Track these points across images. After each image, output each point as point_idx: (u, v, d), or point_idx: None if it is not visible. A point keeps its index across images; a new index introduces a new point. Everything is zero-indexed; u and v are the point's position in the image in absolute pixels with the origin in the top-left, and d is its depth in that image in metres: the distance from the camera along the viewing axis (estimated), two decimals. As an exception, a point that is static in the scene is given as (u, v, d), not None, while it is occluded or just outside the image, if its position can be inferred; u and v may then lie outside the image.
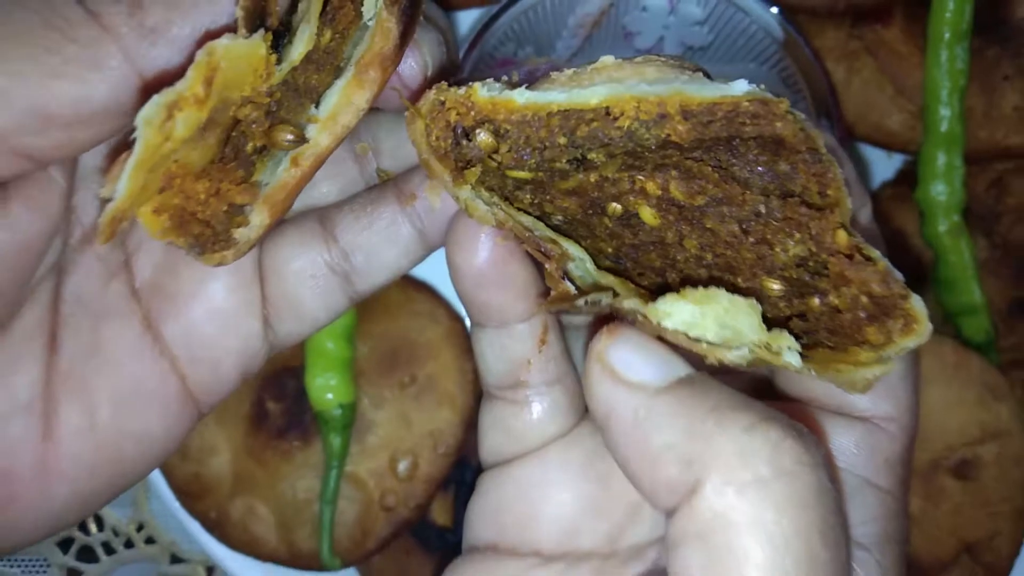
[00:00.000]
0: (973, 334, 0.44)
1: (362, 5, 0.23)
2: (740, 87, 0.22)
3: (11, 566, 0.52)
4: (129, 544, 0.52)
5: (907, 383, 0.25)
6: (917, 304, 0.21)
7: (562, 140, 0.22)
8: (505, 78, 0.23)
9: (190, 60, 0.20)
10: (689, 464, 0.19)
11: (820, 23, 0.45)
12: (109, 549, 0.52)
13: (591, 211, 0.23)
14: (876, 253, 0.21)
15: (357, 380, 0.43)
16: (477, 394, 0.45)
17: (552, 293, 0.23)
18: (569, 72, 0.23)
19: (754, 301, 0.21)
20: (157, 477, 0.47)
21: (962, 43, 0.42)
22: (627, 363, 0.21)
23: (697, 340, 0.21)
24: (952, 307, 0.44)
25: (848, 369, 0.21)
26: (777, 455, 0.19)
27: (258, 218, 0.23)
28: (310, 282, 0.27)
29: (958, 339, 0.44)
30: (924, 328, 0.21)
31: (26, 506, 0.24)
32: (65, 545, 0.52)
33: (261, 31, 0.21)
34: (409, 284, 0.47)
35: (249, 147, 0.23)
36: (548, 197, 0.23)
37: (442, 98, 0.22)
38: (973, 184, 0.45)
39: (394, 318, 0.45)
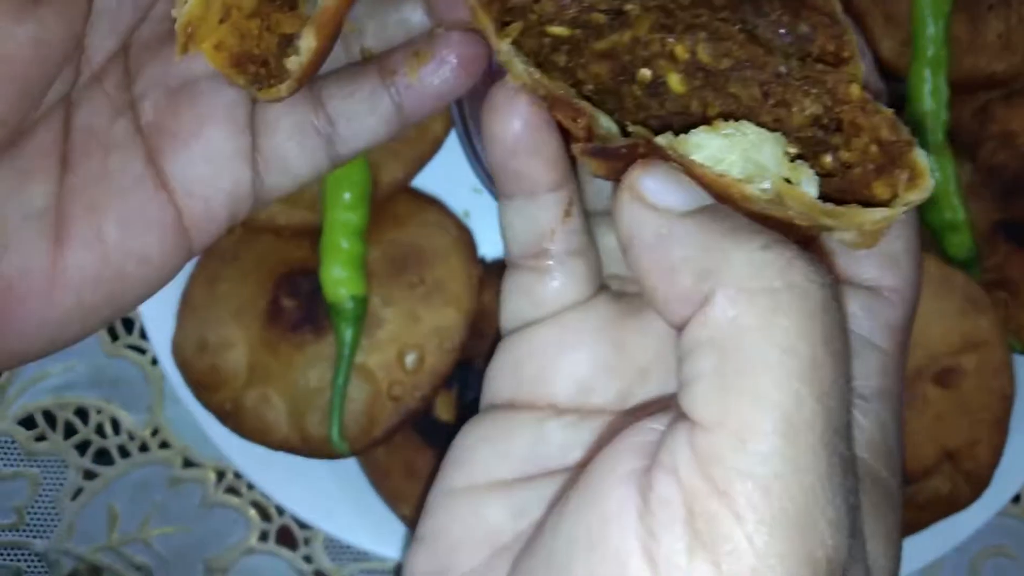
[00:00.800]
0: (956, 251, 0.47)
1: None
2: None
3: (30, 466, 0.54)
4: (144, 448, 0.54)
5: (909, 257, 0.26)
6: (921, 156, 0.22)
7: None
8: None
9: None
10: (705, 275, 0.21)
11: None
12: (124, 452, 0.54)
13: (621, 78, 0.25)
14: (884, 107, 0.23)
15: (368, 281, 0.46)
16: (480, 299, 0.48)
17: (585, 139, 0.25)
18: None
19: (779, 134, 0.23)
20: (173, 384, 0.49)
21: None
22: (655, 190, 0.22)
23: (722, 175, 0.22)
24: (936, 224, 0.46)
25: (858, 213, 0.22)
26: (789, 270, 0.20)
27: (306, 42, 0.25)
28: (298, 139, 0.29)
29: (942, 255, 0.47)
30: (927, 181, 0.22)
31: (34, 308, 0.26)
32: (82, 448, 0.54)
33: None
34: (419, 197, 0.49)
35: None
36: (582, 61, 0.25)
37: None
38: (959, 111, 0.48)
39: (405, 227, 0.48)
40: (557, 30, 0.24)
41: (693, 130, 0.22)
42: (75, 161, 0.27)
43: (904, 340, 0.26)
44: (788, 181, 0.22)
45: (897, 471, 0.26)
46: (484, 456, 0.26)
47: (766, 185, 0.22)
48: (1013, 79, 0.48)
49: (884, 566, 0.23)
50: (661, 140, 0.23)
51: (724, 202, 0.23)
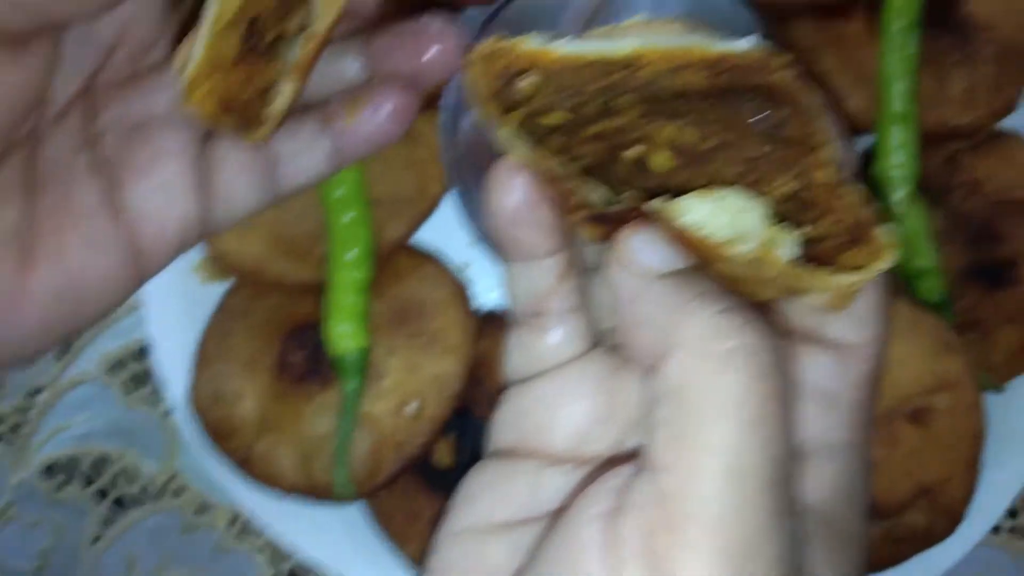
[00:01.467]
0: (928, 295, 0.49)
1: None
2: (747, 43, 0.25)
3: (53, 513, 0.57)
4: (160, 495, 0.57)
5: (875, 315, 0.27)
6: (883, 233, 0.24)
7: (596, 86, 0.26)
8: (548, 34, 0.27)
9: None
10: (666, 332, 0.23)
11: (786, 20, 0.51)
12: (141, 499, 0.57)
13: (611, 155, 0.27)
14: (855, 187, 0.25)
15: (371, 333, 0.49)
16: (477, 347, 0.50)
17: (579, 210, 0.27)
18: (604, 28, 0.26)
19: (761, 201, 0.25)
20: (187, 433, 0.52)
21: (913, 31, 0.47)
22: (638, 250, 0.25)
23: (707, 238, 0.24)
24: (908, 270, 0.49)
25: (827, 279, 0.24)
26: (743, 333, 0.23)
27: (287, 88, 0.29)
28: (244, 175, 0.32)
29: (914, 300, 0.50)
30: (890, 255, 0.24)
31: (5, 321, 0.28)
32: (101, 495, 0.57)
33: None
34: (418, 253, 0.53)
35: (266, 39, 0.28)
36: (574, 142, 0.27)
37: (496, 47, 0.26)
38: (929, 161, 0.51)
39: (405, 281, 0.51)
40: (552, 119, 0.26)
41: (683, 196, 0.25)
42: (40, 190, 0.30)
43: (871, 393, 0.28)
44: (768, 246, 0.24)
45: (862, 516, 0.28)
46: (486, 500, 0.28)
47: (748, 247, 0.24)
48: (978, 131, 0.51)
49: None
50: (653, 204, 0.25)
51: (706, 263, 0.25)
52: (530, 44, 0.26)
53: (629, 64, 0.25)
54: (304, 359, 0.49)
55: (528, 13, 0.50)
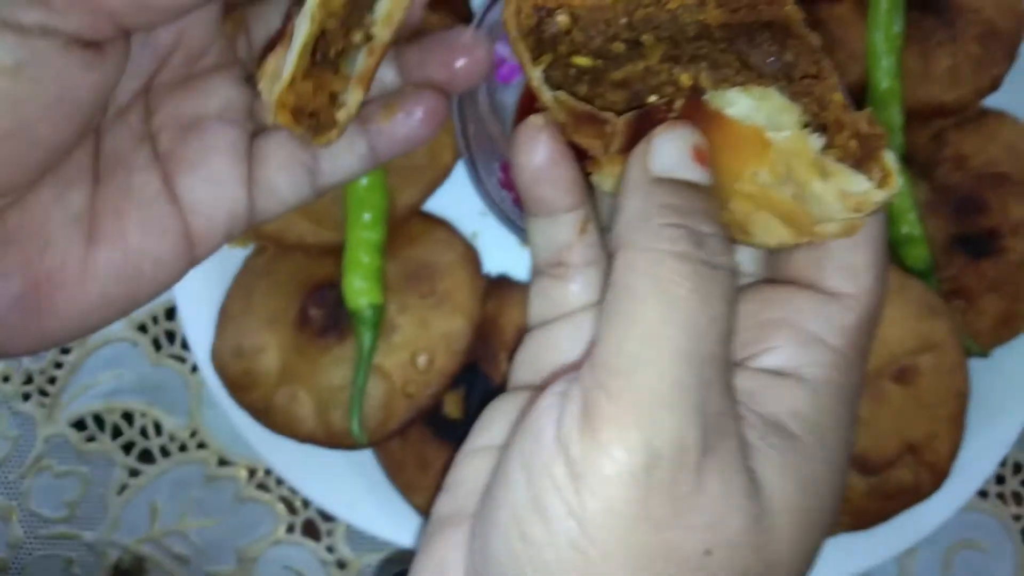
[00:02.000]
0: (914, 262, 0.52)
1: None
2: None
3: (81, 464, 0.61)
4: (183, 448, 0.60)
5: (869, 269, 0.30)
6: (889, 157, 0.26)
7: (623, 22, 0.28)
8: None
9: None
10: (628, 229, 0.27)
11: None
12: (165, 452, 0.60)
13: (635, 101, 0.29)
14: (865, 111, 0.27)
15: (385, 292, 0.52)
16: (484, 308, 0.54)
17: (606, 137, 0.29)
18: None
19: (796, 105, 0.27)
20: (211, 389, 0.55)
21: (898, 11, 0.50)
22: (659, 146, 0.28)
23: (751, 125, 0.27)
24: (895, 238, 0.52)
25: (847, 176, 0.26)
26: (685, 243, 0.26)
27: (354, 97, 0.32)
28: (286, 171, 0.35)
29: (901, 266, 0.52)
30: (896, 179, 0.26)
31: (68, 296, 0.32)
32: (127, 448, 0.61)
33: None
34: (431, 219, 0.56)
35: (332, 51, 0.31)
36: (600, 90, 0.29)
37: None
38: (916, 137, 0.54)
39: (417, 245, 0.54)
40: (581, 60, 0.29)
41: (728, 89, 0.27)
42: (104, 177, 0.33)
43: (859, 341, 0.30)
44: (802, 136, 0.26)
45: (832, 448, 0.29)
46: (501, 425, 0.31)
47: (787, 134, 0.26)
48: (963, 108, 0.53)
49: (787, 507, 0.27)
50: (706, 95, 0.27)
51: (728, 182, 0.28)
52: None
53: (655, 1, 0.28)
54: (323, 315, 0.52)
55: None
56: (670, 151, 0.28)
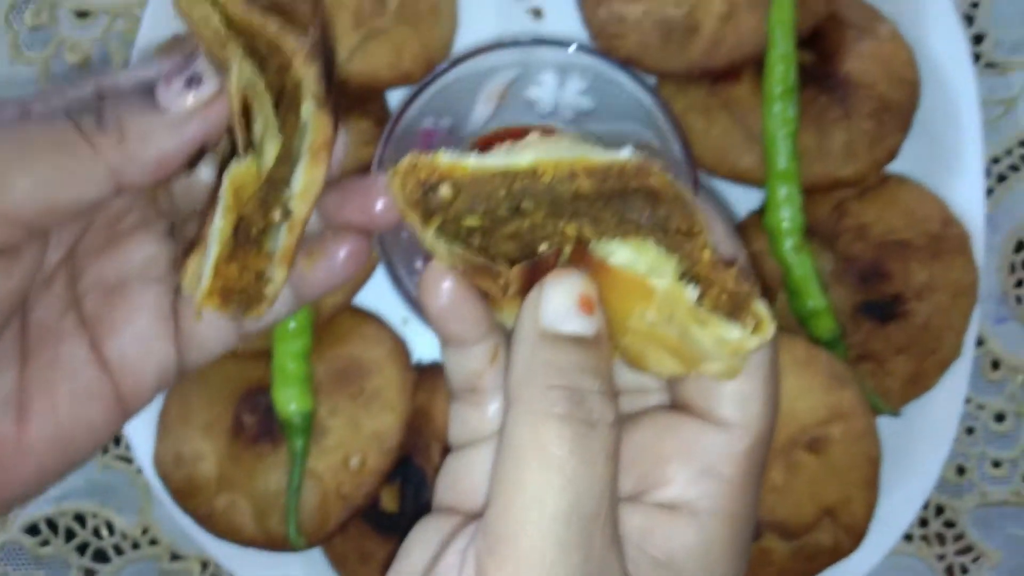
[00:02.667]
0: (821, 333, 0.54)
1: (300, 113, 0.33)
2: (626, 153, 0.30)
3: (37, 569, 0.62)
4: (136, 546, 0.62)
5: (757, 397, 0.31)
6: (760, 306, 0.29)
7: (502, 193, 0.30)
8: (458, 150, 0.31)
9: (152, 172, 0.31)
10: (517, 387, 0.29)
11: (683, 85, 0.56)
12: (119, 551, 0.62)
13: (526, 251, 0.31)
14: (735, 266, 0.29)
15: (315, 394, 0.54)
16: (416, 399, 0.56)
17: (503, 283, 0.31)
18: (507, 145, 0.31)
19: (672, 257, 0.29)
20: (158, 488, 0.57)
21: (790, 96, 0.52)
22: (549, 296, 0.30)
23: (633, 272, 0.29)
24: (801, 312, 0.54)
25: (721, 325, 0.28)
26: (567, 403, 0.28)
27: (278, 274, 0.34)
28: (211, 324, 0.37)
29: (809, 338, 0.55)
30: (768, 325, 0.28)
31: (4, 474, 0.33)
32: (82, 549, 0.62)
33: (251, 154, 0.32)
34: (359, 314, 0.58)
35: (254, 231, 0.33)
36: (493, 241, 0.31)
37: (414, 162, 0.30)
38: (818, 209, 0.56)
39: (346, 342, 0.56)
40: (470, 221, 0.31)
41: (609, 240, 0.29)
42: (32, 351, 0.34)
43: (749, 468, 0.31)
44: (679, 286, 0.29)
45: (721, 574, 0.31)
46: (421, 553, 0.33)
47: (664, 281, 0.29)
48: (861, 180, 0.56)
49: None
50: (592, 245, 0.29)
51: (616, 324, 0.30)
52: (444, 159, 0.30)
53: (530, 174, 0.30)
54: (256, 422, 0.54)
55: (450, 91, 0.55)
56: (558, 301, 0.30)
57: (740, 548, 0.32)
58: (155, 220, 0.37)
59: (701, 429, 0.32)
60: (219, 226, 0.32)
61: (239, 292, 0.33)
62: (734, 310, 0.29)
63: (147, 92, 0.33)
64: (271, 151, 0.33)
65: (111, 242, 0.36)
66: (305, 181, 0.33)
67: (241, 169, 0.32)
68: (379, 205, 0.37)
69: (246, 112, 0.33)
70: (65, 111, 0.32)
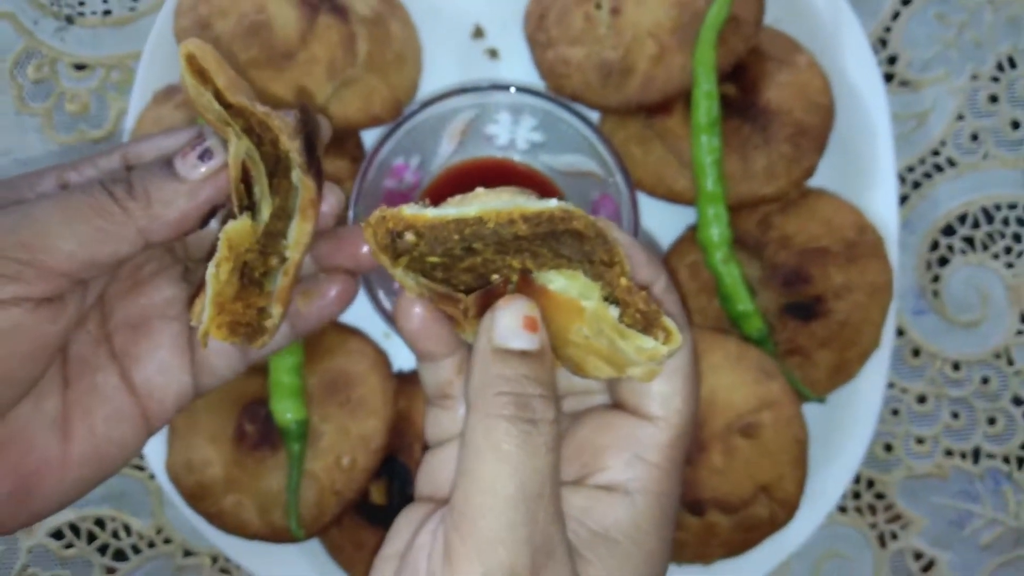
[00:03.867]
0: (751, 332, 0.62)
1: (291, 178, 0.40)
2: (554, 203, 0.36)
3: (62, 569, 0.70)
4: (151, 545, 0.70)
5: (676, 396, 0.38)
6: (668, 322, 0.36)
7: (455, 237, 0.36)
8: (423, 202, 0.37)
9: (173, 231, 0.39)
10: (473, 395, 0.35)
11: (623, 119, 0.64)
12: (136, 550, 0.70)
13: (481, 280, 0.38)
14: (644, 290, 0.36)
15: (308, 404, 0.61)
16: (397, 406, 0.63)
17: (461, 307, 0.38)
18: (458, 198, 0.37)
19: (597, 283, 0.36)
20: (170, 492, 0.65)
21: (714, 128, 0.60)
22: (500, 318, 0.36)
23: (566, 296, 0.36)
24: (732, 314, 0.62)
25: (638, 338, 0.35)
26: (513, 407, 0.34)
27: (276, 310, 0.41)
28: (223, 355, 0.44)
29: (740, 337, 0.63)
30: (676, 337, 0.35)
31: (51, 485, 0.40)
32: (102, 550, 0.70)
33: (247, 213, 0.39)
34: (344, 329, 0.65)
35: (256, 275, 0.40)
36: (453, 274, 0.38)
37: (383, 215, 0.37)
38: (745, 223, 0.64)
39: (334, 356, 0.64)
40: (433, 259, 0.37)
41: (547, 271, 0.36)
42: (72, 381, 0.41)
43: (673, 455, 0.38)
44: (603, 306, 0.36)
45: (649, 545, 0.38)
46: (404, 535, 0.39)
47: (591, 303, 0.36)
48: (783, 196, 0.64)
49: None
50: (534, 275, 0.36)
51: (556, 337, 0.37)
52: (407, 212, 0.37)
53: (477, 221, 0.36)
54: (257, 430, 0.62)
55: (418, 132, 0.62)
56: (507, 322, 0.36)
57: (666, 521, 0.39)
58: (171, 266, 0.44)
59: (633, 423, 0.39)
60: (212, 272, 0.39)
61: (244, 325, 0.41)
62: (647, 325, 0.36)
63: (166, 163, 0.40)
64: (267, 209, 0.40)
65: (135, 287, 0.43)
66: (297, 233, 0.41)
67: (236, 226, 0.39)
68: (364, 249, 0.45)
69: (247, 179, 0.40)
70: (99, 181, 0.39)
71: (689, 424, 0.39)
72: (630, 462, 0.38)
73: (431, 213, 0.37)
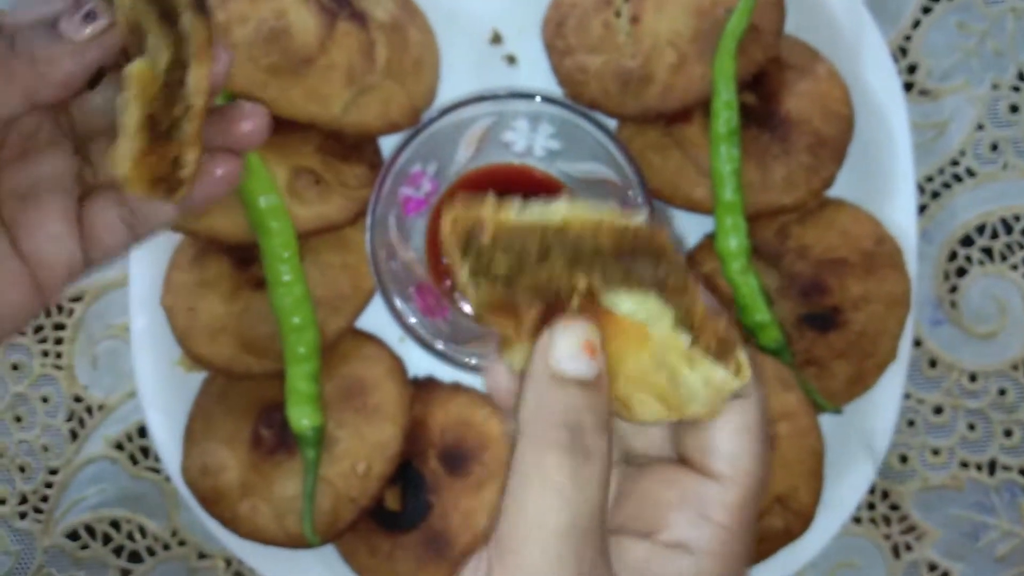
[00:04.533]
0: (768, 343, 0.62)
1: (180, 27, 0.40)
2: (640, 218, 0.35)
3: (78, 571, 0.71)
4: (166, 547, 0.71)
5: (744, 454, 0.36)
6: (742, 355, 0.34)
7: (534, 244, 0.35)
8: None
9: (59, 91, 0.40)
10: (523, 420, 0.34)
11: (641, 127, 0.64)
12: (151, 552, 0.71)
13: (540, 298, 0.35)
14: (724, 318, 0.34)
15: (325, 409, 0.62)
16: (413, 412, 0.64)
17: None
18: (540, 204, 0.35)
19: (669, 308, 0.34)
20: (185, 495, 0.65)
21: (733, 137, 0.60)
22: (558, 342, 0.34)
23: (633, 320, 0.34)
24: (750, 324, 0.62)
25: (710, 367, 0.33)
26: (566, 436, 0.33)
27: (190, 157, 0.40)
28: (110, 228, 0.44)
29: (757, 347, 0.63)
30: (747, 372, 0.34)
31: None
32: (118, 551, 0.71)
33: (145, 59, 0.39)
34: (360, 335, 0.66)
35: (163, 127, 0.40)
36: (512, 289, 0.36)
37: (464, 211, 0.35)
38: (764, 232, 0.64)
39: (350, 361, 0.64)
40: (499, 267, 0.35)
41: (616, 291, 0.34)
42: None
43: (742, 516, 0.36)
44: (674, 333, 0.34)
45: None
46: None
47: (662, 330, 0.34)
48: (801, 206, 0.64)
49: None
50: (603, 295, 0.34)
51: (614, 367, 0.35)
52: (490, 211, 0.35)
53: (560, 228, 0.35)
54: (273, 435, 0.62)
55: (435, 139, 0.63)
56: (566, 344, 0.34)
57: None
58: (62, 140, 0.45)
59: (699, 481, 0.37)
60: (123, 107, 0.39)
61: (162, 180, 0.40)
62: (721, 354, 0.34)
63: (50, 25, 0.40)
64: (162, 60, 0.40)
65: (24, 157, 0.43)
66: (194, 79, 0.40)
67: (138, 65, 0.39)
68: (247, 127, 0.44)
69: (137, 33, 0.40)
70: None
71: (759, 486, 0.37)
72: (694, 521, 0.37)
73: (515, 215, 0.35)
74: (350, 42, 0.62)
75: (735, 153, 0.61)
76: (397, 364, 0.65)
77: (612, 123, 0.67)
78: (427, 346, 0.61)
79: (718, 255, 0.62)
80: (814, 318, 0.64)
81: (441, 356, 0.61)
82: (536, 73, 0.68)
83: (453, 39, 0.69)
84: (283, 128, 0.61)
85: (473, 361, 0.61)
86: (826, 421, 0.64)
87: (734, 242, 0.61)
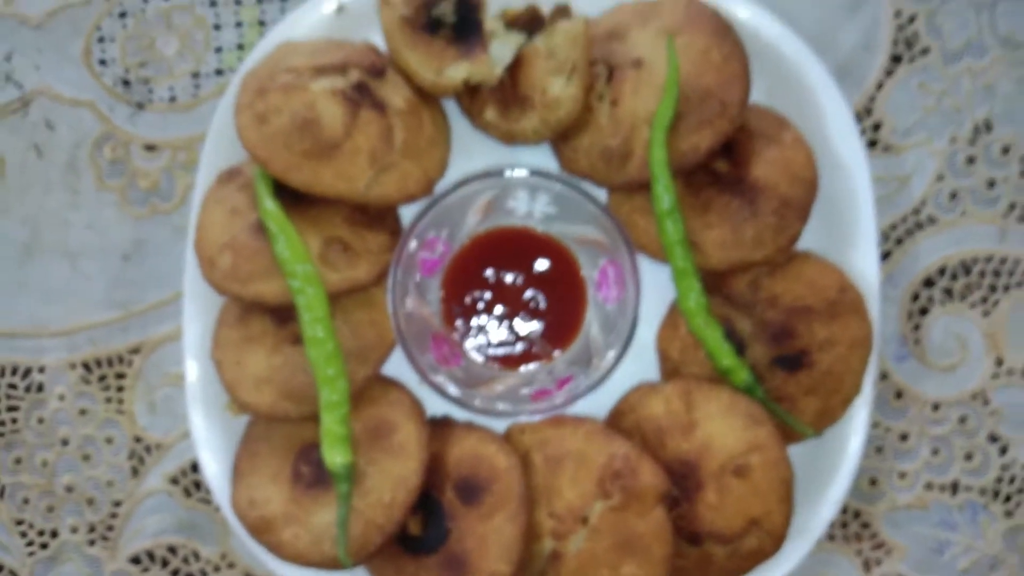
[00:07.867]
0: (739, 382, 0.72)
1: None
2: None
3: (141, 591, 0.82)
4: (217, 569, 0.81)
5: None
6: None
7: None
8: None
9: None
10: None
11: (628, 194, 0.74)
12: (204, 573, 0.82)
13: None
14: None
15: (354, 448, 0.72)
16: (431, 448, 0.74)
17: None
18: None
19: None
20: (234, 523, 0.76)
21: (675, 214, 0.70)
22: None
23: None
24: (719, 368, 0.72)
25: None
26: None
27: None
28: None
29: (731, 387, 0.73)
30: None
31: None
32: (175, 574, 0.82)
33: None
34: (385, 381, 0.76)
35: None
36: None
37: None
38: (737, 284, 0.74)
39: (376, 405, 0.75)
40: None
41: None
42: None
43: None
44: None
45: None
46: None
47: None
48: (770, 261, 0.74)
49: None
50: None
51: None
52: None
53: None
54: (311, 471, 0.73)
55: (447, 209, 0.73)
56: None
57: None
58: None
59: None
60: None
61: None
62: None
63: None
64: None
65: None
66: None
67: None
68: None
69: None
70: None
71: None
72: None
73: None
74: (372, 128, 0.72)
75: (679, 226, 0.71)
76: (417, 406, 0.75)
77: (603, 191, 0.77)
78: (442, 392, 0.71)
79: (682, 314, 0.72)
80: (784, 360, 0.73)
81: (454, 401, 0.71)
82: (536, 148, 0.78)
83: (463, 117, 0.79)
84: (315, 203, 0.72)
85: (481, 404, 0.72)
86: (799, 449, 0.74)
87: (692, 301, 0.71)
